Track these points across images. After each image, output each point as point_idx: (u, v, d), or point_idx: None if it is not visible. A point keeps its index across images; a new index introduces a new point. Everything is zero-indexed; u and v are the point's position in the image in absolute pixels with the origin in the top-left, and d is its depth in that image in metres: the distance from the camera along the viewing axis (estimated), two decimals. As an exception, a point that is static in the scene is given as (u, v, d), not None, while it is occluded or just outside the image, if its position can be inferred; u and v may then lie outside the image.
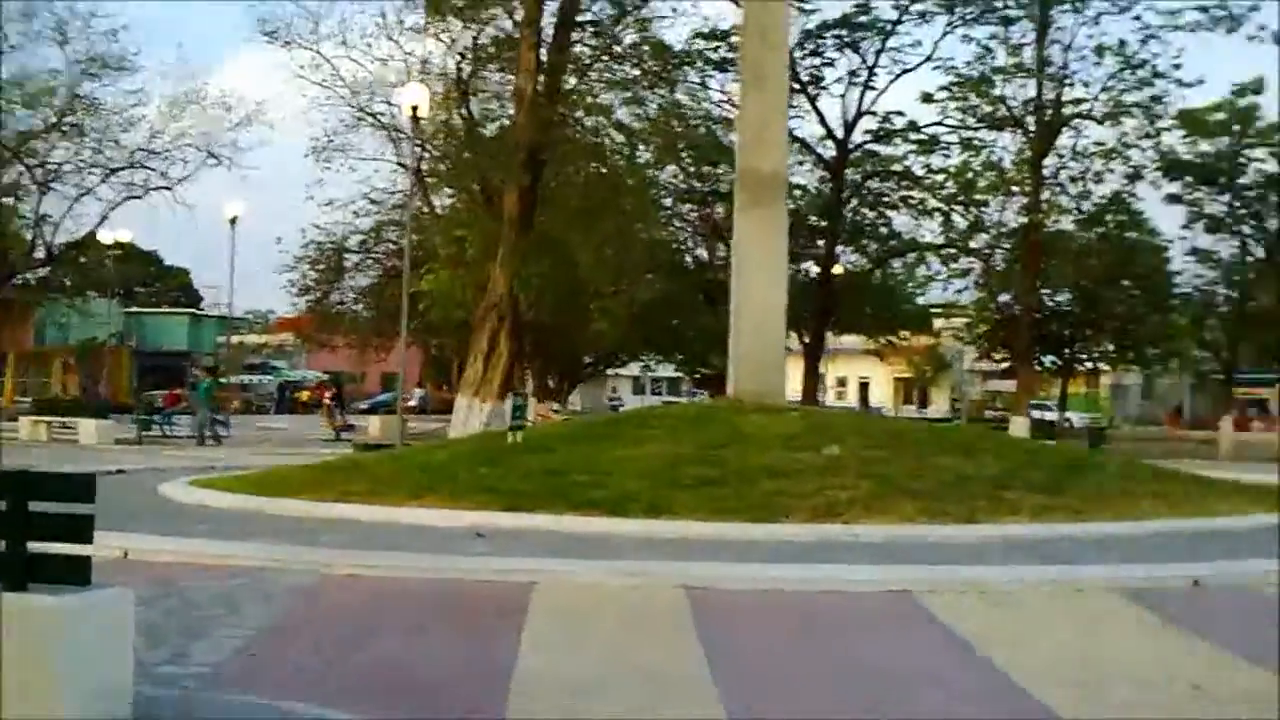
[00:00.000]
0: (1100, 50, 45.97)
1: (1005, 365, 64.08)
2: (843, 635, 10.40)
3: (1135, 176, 49.66)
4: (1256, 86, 50.06)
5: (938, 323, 66.35)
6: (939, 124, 48.35)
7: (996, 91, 46.99)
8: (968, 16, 46.29)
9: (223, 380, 60.78)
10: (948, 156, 49.00)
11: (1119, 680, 8.82)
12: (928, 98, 47.91)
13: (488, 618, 10.75)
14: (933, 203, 49.40)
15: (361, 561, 12.56)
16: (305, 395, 76.81)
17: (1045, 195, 47.49)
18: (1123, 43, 45.88)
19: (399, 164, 40.99)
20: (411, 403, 61.60)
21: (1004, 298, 53.94)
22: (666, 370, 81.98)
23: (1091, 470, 20.50)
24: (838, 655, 9.67)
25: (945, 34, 46.65)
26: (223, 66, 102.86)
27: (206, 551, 13.00)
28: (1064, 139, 47.75)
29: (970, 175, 48.70)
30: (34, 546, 6.39)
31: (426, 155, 38.37)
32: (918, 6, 46.26)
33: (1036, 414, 52.86)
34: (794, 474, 17.49)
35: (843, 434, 19.92)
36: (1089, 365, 64.99)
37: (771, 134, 23.80)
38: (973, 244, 50.33)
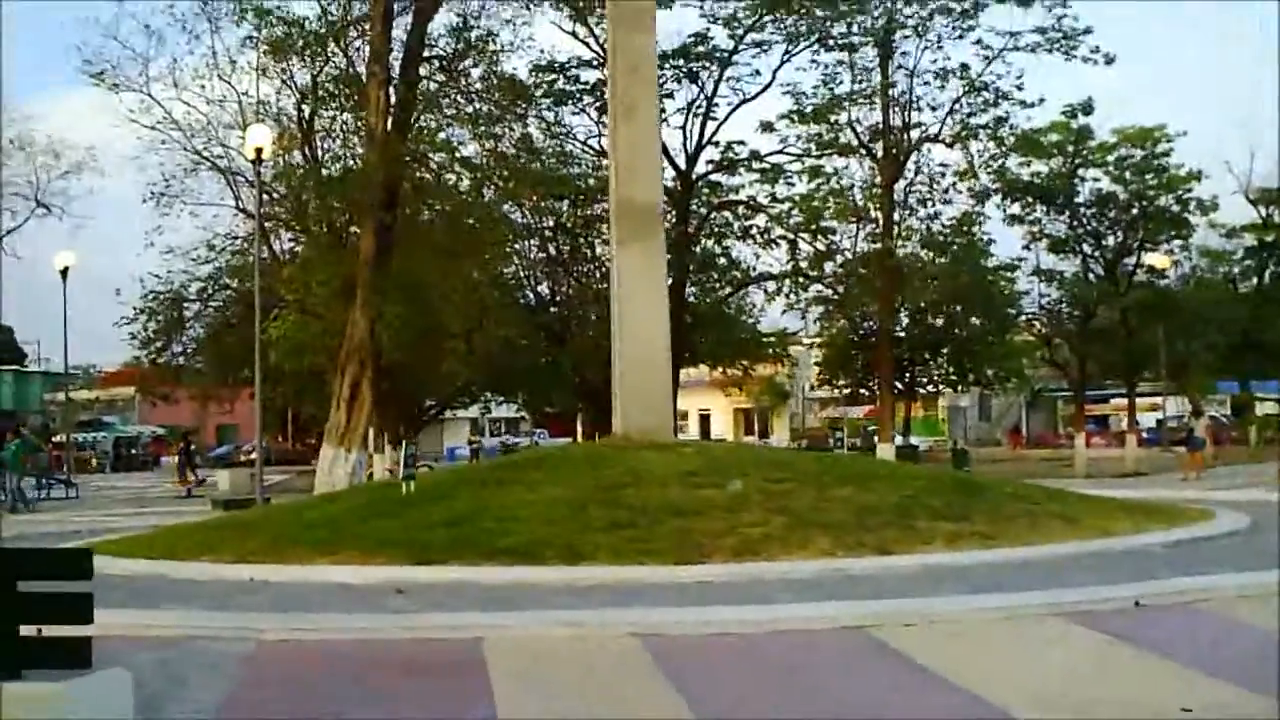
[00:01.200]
0: (944, 74, 46.63)
1: (848, 392, 64.61)
2: (817, 675, 10.18)
3: (983, 197, 50.50)
4: (1087, 107, 51.08)
5: (795, 349, 66.59)
6: (782, 152, 48.48)
7: (844, 118, 47.31)
8: (806, 46, 46.54)
9: (53, 440, 58.92)
10: (792, 185, 49.23)
11: (1109, 705, 8.82)
12: (768, 126, 47.97)
13: (449, 679, 10.23)
14: (779, 231, 49.52)
15: (295, 625, 11.93)
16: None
17: (896, 219, 47.91)
18: (965, 66, 46.59)
19: (239, 209, 40.01)
20: (254, 454, 60.23)
21: (862, 323, 54.17)
22: (505, 411, 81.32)
23: (988, 494, 20.52)
24: (822, 697, 9.42)
25: (783, 63, 46.79)
26: (50, 109, 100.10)
27: (130, 622, 12.22)
28: (913, 162, 48.17)
29: (817, 203, 48.88)
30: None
31: (269, 198, 37.39)
32: (754, 36, 46.40)
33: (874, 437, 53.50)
34: (702, 512, 17.20)
35: (740, 468, 19.67)
36: (930, 388, 65.64)
37: (645, 165, 23.62)
38: (820, 270, 50.48)
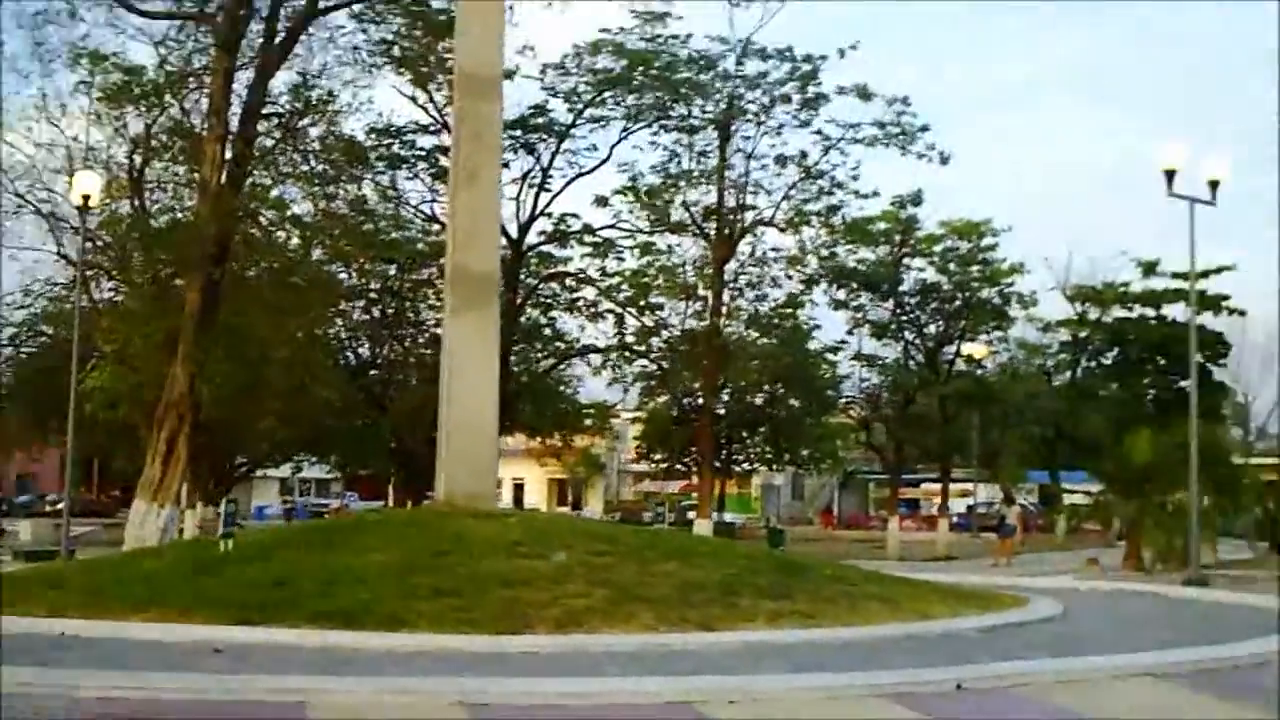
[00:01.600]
0: (782, 160, 47.35)
1: (664, 466, 64.98)
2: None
3: (812, 282, 51.39)
4: (916, 199, 52.37)
5: (615, 422, 66.78)
6: (615, 226, 48.85)
7: (679, 197, 47.80)
8: (644, 125, 47.09)
9: None
10: (622, 260, 49.64)
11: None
12: (602, 201, 48.33)
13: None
14: (607, 305, 49.82)
15: (113, 683, 11.55)
16: None
17: (725, 299, 48.48)
18: (804, 153, 47.43)
19: (60, 255, 39.24)
20: (60, 505, 58.62)
21: (684, 399, 54.49)
22: (317, 471, 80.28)
23: (809, 574, 20.72)
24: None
25: (620, 139, 47.30)
26: None
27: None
28: (745, 244, 48.80)
29: (646, 279, 49.30)
30: None
31: (92, 245, 36.68)
32: (594, 111, 46.81)
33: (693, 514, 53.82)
34: (526, 582, 17.12)
35: (564, 539, 19.65)
36: (745, 466, 66.26)
37: (483, 233, 23.64)
38: (647, 345, 50.83)
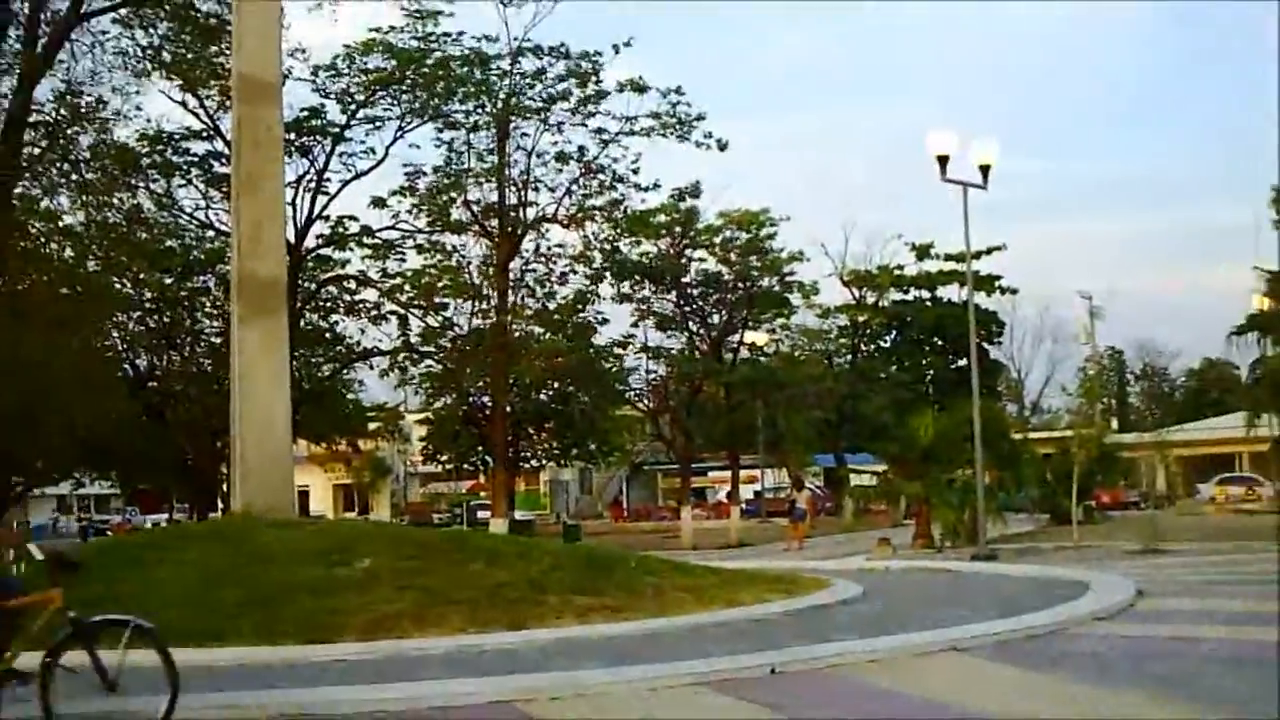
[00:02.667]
0: (563, 156, 47.44)
1: (451, 467, 64.77)
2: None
3: (597, 278, 51.59)
4: (695, 191, 52.86)
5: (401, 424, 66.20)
6: (394, 228, 48.37)
7: (462, 196, 47.50)
8: (421, 124, 46.78)
9: None
10: (404, 260, 49.25)
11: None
12: (379, 202, 47.80)
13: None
14: (390, 307, 49.38)
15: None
16: None
17: (512, 298, 48.40)
18: (583, 149, 47.57)
19: None
20: None
21: (472, 399, 54.22)
22: (96, 487, 78.24)
23: (615, 568, 20.82)
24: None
25: (395, 139, 46.83)
26: None
27: None
28: (528, 242, 48.79)
29: (429, 279, 48.97)
30: None
31: None
32: (368, 112, 46.35)
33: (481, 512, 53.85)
34: (335, 591, 16.99)
35: (369, 546, 19.49)
36: (534, 462, 66.36)
37: (268, 239, 23.23)
38: (434, 346, 50.52)
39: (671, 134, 46.97)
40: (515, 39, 45.94)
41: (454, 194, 47.45)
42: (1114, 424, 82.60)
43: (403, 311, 49.42)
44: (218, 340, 44.63)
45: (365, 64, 45.52)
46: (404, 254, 49.11)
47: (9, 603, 10.86)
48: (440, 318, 49.65)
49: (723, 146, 47.92)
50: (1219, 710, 10.48)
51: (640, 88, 46.46)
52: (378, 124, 46.78)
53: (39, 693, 10.52)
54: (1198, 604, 19.32)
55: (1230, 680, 12.11)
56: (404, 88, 45.84)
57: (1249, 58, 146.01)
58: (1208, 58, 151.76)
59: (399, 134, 46.89)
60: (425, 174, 47.47)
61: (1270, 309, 36.32)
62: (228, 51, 33.92)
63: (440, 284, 49.03)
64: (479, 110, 46.65)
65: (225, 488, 36.59)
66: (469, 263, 49.22)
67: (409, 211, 48.11)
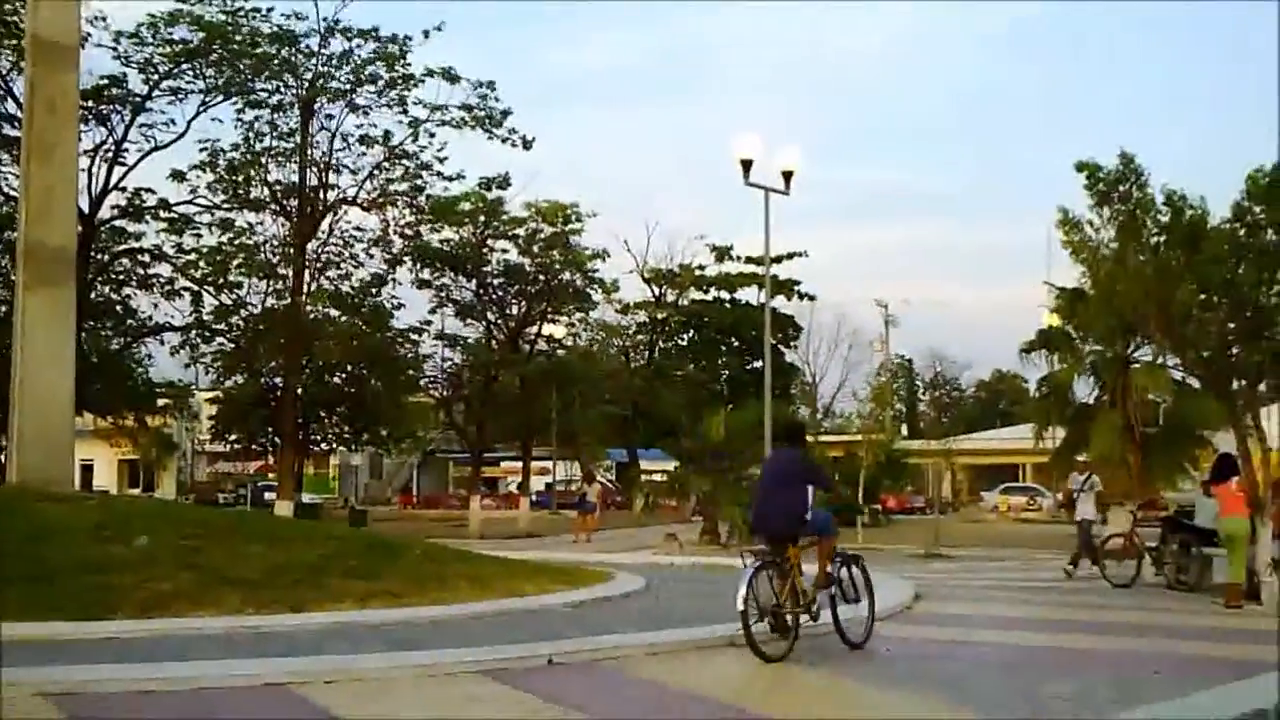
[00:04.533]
0: (367, 140, 47.03)
1: (240, 447, 63.68)
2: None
3: (395, 262, 51.25)
4: (503, 181, 52.72)
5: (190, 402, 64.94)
6: (192, 202, 47.49)
7: (262, 174, 46.86)
8: (225, 99, 46.03)
9: None
10: (200, 236, 48.36)
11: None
12: (179, 175, 46.92)
13: None
14: (184, 282, 48.48)
15: None
16: None
17: (307, 278, 47.85)
18: (389, 134, 47.22)
19: None
20: None
21: (264, 379, 53.36)
22: None
23: (399, 554, 20.78)
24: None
25: (199, 113, 46.06)
26: None
27: None
28: (328, 223, 48.27)
29: (224, 256, 48.17)
30: None
31: None
32: (171, 84, 45.44)
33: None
34: (111, 568, 16.58)
35: (148, 523, 19.15)
36: (324, 446, 65.60)
37: (59, 207, 22.72)
38: (226, 324, 49.70)
39: (479, 128, 46.99)
40: (325, 19, 45.54)
41: (254, 171, 46.76)
42: (903, 430, 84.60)
43: (196, 288, 48.60)
44: (2, 309, 43.36)
45: (170, 34, 44.61)
46: (200, 230, 48.27)
47: None
48: (234, 296, 48.94)
49: (528, 145, 48.14)
50: (983, 711, 10.82)
51: (452, 77, 46.44)
52: (180, 96, 45.98)
53: None
54: (972, 608, 19.96)
55: (996, 683, 12.56)
56: (209, 61, 45.02)
57: (1058, 77, 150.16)
58: (1020, 75, 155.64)
59: (202, 108, 46.17)
60: (226, 150, 46.74)
61: (1059, 326, 37.47)
62: (23, 11, 32.99)
63: (235, 262, 48.27)
64: (284, 88, 46.08)
65: (3, 459, 35.60)
66: (265, 242, 48.61)
67: (208, 187, 47.44)
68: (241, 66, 44.92)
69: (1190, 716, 9.57)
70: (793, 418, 20.03)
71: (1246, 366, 20.38)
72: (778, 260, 62.69)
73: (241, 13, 44.60)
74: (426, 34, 45.89)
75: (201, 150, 46.76)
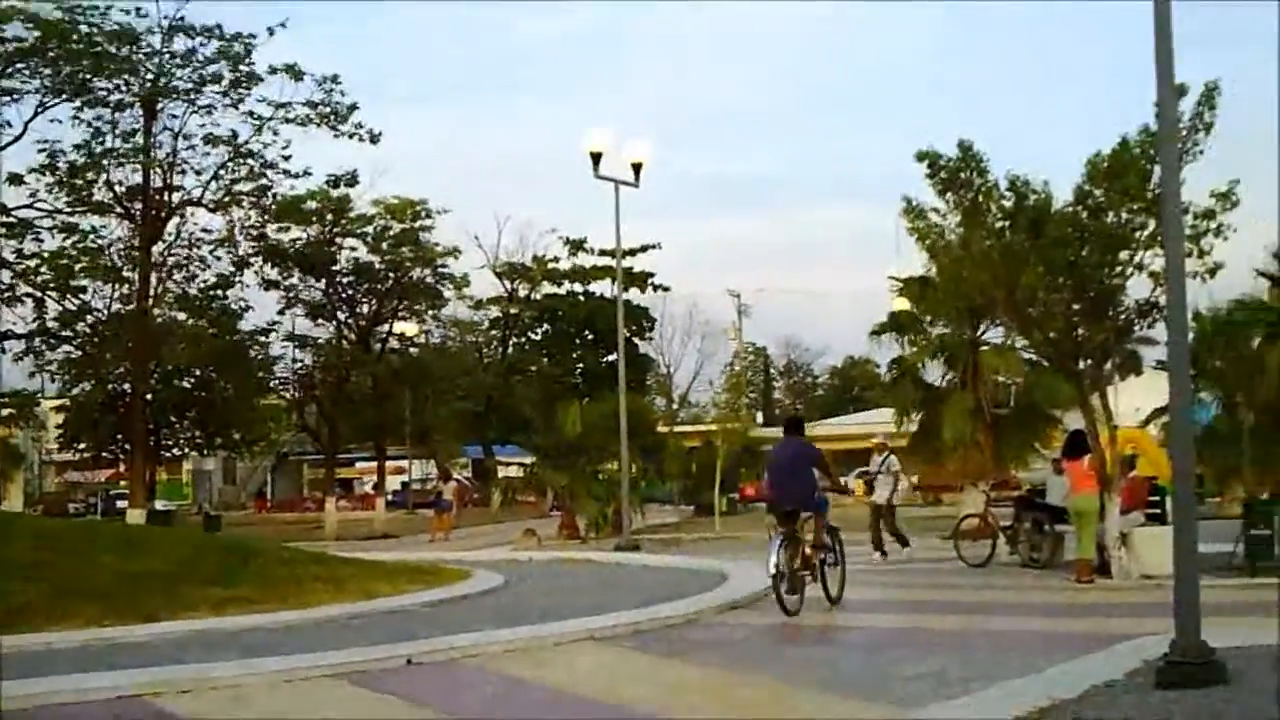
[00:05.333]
0: (212, 139, 46.25)
1: (90, 455, 62.48)
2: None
3: (242, 264, 50.48)
4: (351, 179, 52.15)
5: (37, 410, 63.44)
6: (31, 206, 46.32)
7: (105, 176, 45.85)
8: (64, 100, 44.91)
9: None
10: (41, 241, 47.15)
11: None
12: (16, 179, 45.74)
13: None
14: (25, 289, 47.30)
15: None
16: None
17: (154, 281, 46.97)
18: (234, 133, 46.49)
19: None
20: None
21: (112, 385, 52.22)
22: None
23: (255, 560, 20.58)
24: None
25: (36, 114, 44.92)
26: None
27: None
28: (173, 225, 47.40)
29: (67, 260, 47.01)
30: None
31: None
32: (6, 84, 44.27)
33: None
34: (-42, 582, 16.26)
35: (-5, 535, 18.80)
36: (176, 451, 64.59)
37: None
38: (71, 330, 48.59)
39: (325, 124, 46.50)
40: (166, 16, 44.75)
41: (96, 174, 45.78)
42: (759, 419, 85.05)
43: (39, 294, 47.47)
44: None
45: (3, 31, 43.47)
46: (41, 234, 47.09)
47: None
48: (78, 301, 47.88)
49: (375, 139, 47.75)
50: (842, 693, 10.91)
51: (296, 74, 45.85)
52: (16, 96, 44.84)
53: None
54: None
55: (855, 665, 12.69)
56: (46, 60, 43.94)
57: (913, 65, 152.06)
58: (871, 64, 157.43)
59: (40, 109, 45.03)
60: (66, 152, 45.66)
61: (907, 310, 37.95)
62: None
63: (79, 266, 47.21)
64: (125, 87, 45.14)
65: None
66: (110, 245, 47.58)
67: (48, 190, 46.27)
68: (80, 66, 43.83)
69: (1045, 690, 9.71)
70: (794, 412, 21.58)
71: (1092, 346, 20.69)
72: (630, 253, 63.03)
73: (79, 10, 43.56)
74: (271, 31, 45.34)
75: (40, 152, 45.58)
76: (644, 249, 68.43)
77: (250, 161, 47.02)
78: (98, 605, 16.07)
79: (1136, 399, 34.05)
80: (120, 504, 57.82)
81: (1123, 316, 20.38)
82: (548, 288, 73.40)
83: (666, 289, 74.74)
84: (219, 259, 49.51)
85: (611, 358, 66.19)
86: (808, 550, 17.00)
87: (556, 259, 71.60)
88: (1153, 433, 35.63)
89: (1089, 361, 21.18)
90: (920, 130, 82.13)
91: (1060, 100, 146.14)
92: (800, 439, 18.45)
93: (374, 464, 63.79)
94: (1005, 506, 26.47)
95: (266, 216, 49.44)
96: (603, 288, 72.76)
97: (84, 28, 43.72)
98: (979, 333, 34.94)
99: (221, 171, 46.85)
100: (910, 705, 9.92)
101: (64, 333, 48.83)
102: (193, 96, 45.67)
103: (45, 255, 47.31)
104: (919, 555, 26.60)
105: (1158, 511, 22.10)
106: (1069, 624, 15.38)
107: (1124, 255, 19.61)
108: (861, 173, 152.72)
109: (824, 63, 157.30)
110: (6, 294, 47.45)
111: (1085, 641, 12.65)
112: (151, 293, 46.84)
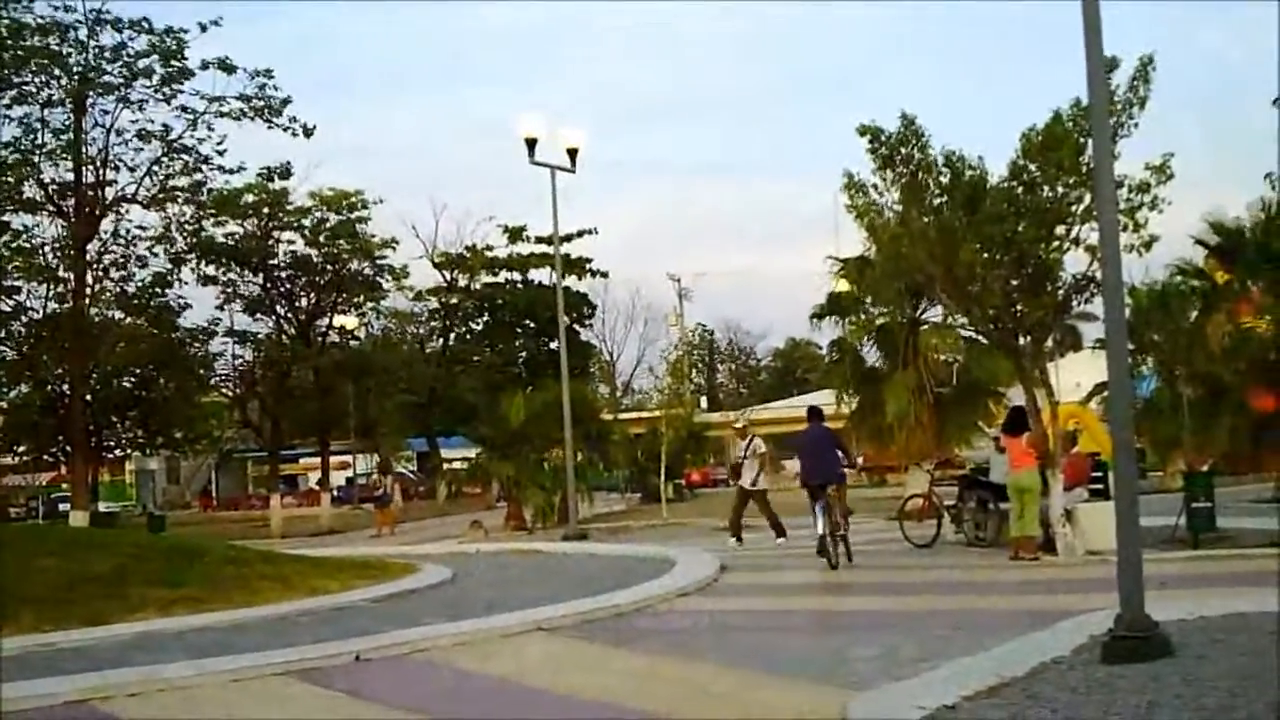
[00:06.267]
0: (144, 135, 45.76)
1: (29, 459, 61.91)
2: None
3: (180, 261, 50.01)
4: (284, 171, 51.80)
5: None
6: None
7: (35, 174, 45.22)
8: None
9: None
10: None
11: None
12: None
13: None
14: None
15: None
16: None
17: (91, 280, 46.46)
18: (167, 128, 45.98)
19: None
20: None
21: (49, 386, 51.61)
22: None
23: (201, 559, 20.45)
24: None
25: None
26: None
27: None
28: (108, 223, 46.86)
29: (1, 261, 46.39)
30: None
31: None
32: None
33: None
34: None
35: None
36: (118, 452, 64.04)
37: None
38: (4, 332, 48.00)
39: (258, 117, 46.11)
40: (93, 10, 44.19)
41: (28, 171, 45.18)
42: (703, 403, 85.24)
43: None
44: None
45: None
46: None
47: None
48: (12, 302, 47.31)
49: (309, 133, 47.29)
50: (789, 675, 10.94)
51: (228, 68, 45.41)
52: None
53: None
54: (778, 577, 20.25)
55: (804, 648, 12.74)
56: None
57: (850, 46, 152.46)
58: (809, 45, 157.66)
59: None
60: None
61: (847, 291, 37.94)
62: None
63: (11, 266, 46.62)
64: (53, 82, 44.54)
65: None
66: (43, 244, 46.99)
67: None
68: (4, 60, 43.19)
69: (994, 669, 9.77)
70: (814, 404, 23.32)
71: (1031, 322, 20.80)
72: (568, 239, 62.81)
73: (1, 3, 42.90)
74: (204, 28, 44.80)
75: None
76: (580, 234, 68.29)
77: (185, 156, 46.48)
78: (39, 610, 15.91)
79: (1078, 374, 34.30)
80: (63, 507, 57.36)
81: (1060, 292, 20.49)
82: (487, 277, 73.17)
83: (605, 275, 74.75)
84: (156, 255, 49.01)
85: (553, 345, 66.15)
86: (837, 518, 20.75)
87: (490, 247, 71.43)
88: (1095, 408, 35.92)
89: (1028, 338, 21.29)
90: (863, 111, 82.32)
91: (1004, 73, 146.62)
92: (822, 424, 22.87)
93: (318, 459, 63.49)
94: (949, 486, 26.57)
95: (202, 212, 48.95)
96: (541, 276, 72.73)
97: (7, 21, 43.07)
98: (919, 312, 35.02)
99: (155, 167, 46.32)
100: (860, 686, 9.95)
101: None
102: (124, 91, 45.04)
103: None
104: (862, 539, 26.65)
105: (1101, 487, 22.32)
106: (1016, 602, 15.44)
107: (1060, 230, 19.70)
108: (801, 155, 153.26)
109: (763, 52, 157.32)
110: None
111: (1032, 619, 12.72)
112: (88, 291, 46.33)
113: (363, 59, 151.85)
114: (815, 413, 23.19)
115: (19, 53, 43.33)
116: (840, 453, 22.43)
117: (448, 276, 72.71)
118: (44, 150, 45.31)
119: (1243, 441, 29.24)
